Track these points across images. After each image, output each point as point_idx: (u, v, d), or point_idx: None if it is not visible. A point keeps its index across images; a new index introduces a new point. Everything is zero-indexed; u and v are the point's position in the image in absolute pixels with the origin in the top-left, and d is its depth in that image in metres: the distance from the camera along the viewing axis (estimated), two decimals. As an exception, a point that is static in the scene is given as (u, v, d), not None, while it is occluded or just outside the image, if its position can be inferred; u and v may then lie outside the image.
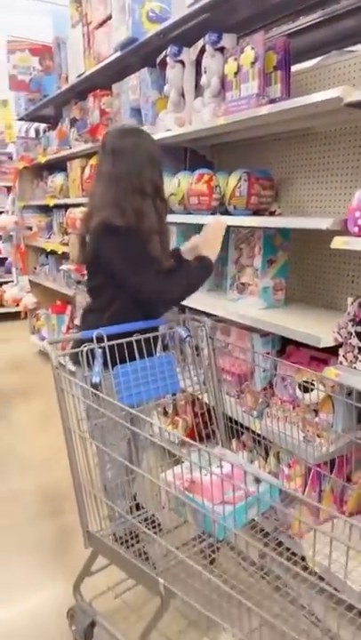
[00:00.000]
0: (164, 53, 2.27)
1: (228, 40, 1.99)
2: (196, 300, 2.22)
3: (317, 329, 1.66)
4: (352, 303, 1.57)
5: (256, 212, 2.11)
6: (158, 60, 2.34)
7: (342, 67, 1.85)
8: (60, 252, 3.94)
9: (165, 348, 1.83)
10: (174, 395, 1.71)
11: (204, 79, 2.08)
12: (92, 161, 3.13)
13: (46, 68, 3.88)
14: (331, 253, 2.01)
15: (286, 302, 2.08)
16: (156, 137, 2.36)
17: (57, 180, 3.86)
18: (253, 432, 1.90)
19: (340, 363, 1.60)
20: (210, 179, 2.10)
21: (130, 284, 1.60)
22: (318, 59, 2.20)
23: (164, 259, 1.69)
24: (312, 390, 1.65)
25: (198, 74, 2.17)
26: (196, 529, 1.54)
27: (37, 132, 4.74)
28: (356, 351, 1.54)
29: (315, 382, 1.65)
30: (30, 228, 4.64)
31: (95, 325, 1.52)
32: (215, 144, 2.57)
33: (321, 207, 2.05)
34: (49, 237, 4.33)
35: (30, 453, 2.89)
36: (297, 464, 1.80)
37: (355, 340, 1.54)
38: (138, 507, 1.67)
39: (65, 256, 3.87)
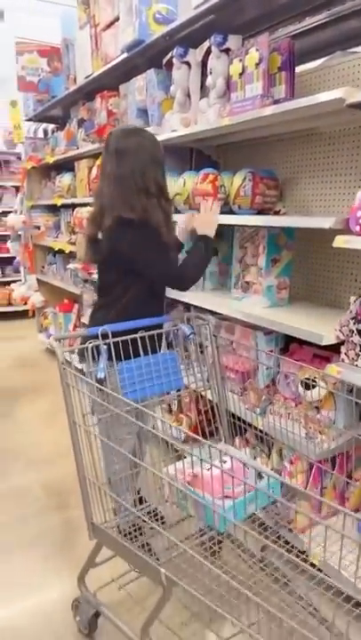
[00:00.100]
0: (170, 54, 2.30)
1: (233, 41, 2.01)
2: (201, 299, 2.25)
3: (320, 327, 1.68)
4: (355, 301, 1.59)
5: (261, 212, 2.13)
6: (165, 61, 2.37)
7: (346, 67, 1.87)
8: (67, 252, 3.98)
9: (169, 345, 1.86)
10: (178, 391, 1.74)
11: (209, 80, 2.10)
12: (99, 161, 3.17)
13: (54, 70, 3.93)
14: (335, 252, 2.03)
15: (290, 301, 2.10)
16: (161, 137, 2.40)
17: (64, 179, 3.90)
18: (256, 429, 1.93)
19: (342, 360, 1.61)
20: (215, 178, 2.12)
21: (155, 271, 1.74)
22: (323, 59, 2.22)
23: (174, 249, 1.88)
24: (314, 387, 1.67)
25: (204, 75, 2.19)
26: (198, 523, 1.57)
27: (46, 132, 4.79)
28: (358, 349, 1.56)
29: (317, 379, 1.67)
30: (38, 228, 4.69)
31: (103, 322, 1.57)
32: (221, 144, 2.60)
33: (325, 207, 2.07)
34: (56, 237, 4.38)
35: (37, 449, 2.94)
36: (299, 461, 1.82)
37: (356, 338, 1.55)
38: (141, 500, 1.71)
39: (72, 255, 3.91)
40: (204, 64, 2.18)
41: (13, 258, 5.44)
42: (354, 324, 1.56)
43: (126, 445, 1.76)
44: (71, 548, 2.05)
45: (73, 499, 2.29)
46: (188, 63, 2.24)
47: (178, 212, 2.34)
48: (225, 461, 1.53)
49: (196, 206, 2.23)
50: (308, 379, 1.71)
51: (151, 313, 1.75)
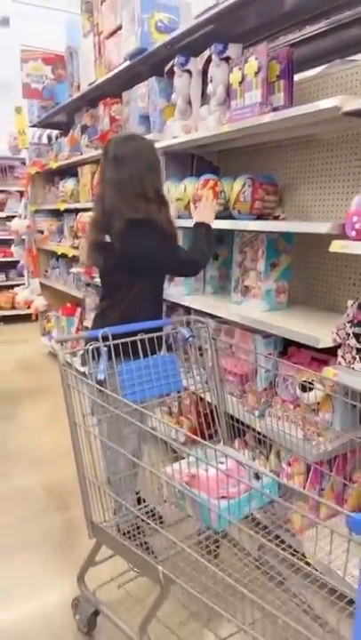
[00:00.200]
0: (171, 63, 2.34)
1: (233, 50, 2.05)
2: (201, 302, 2.28)
3: (317, 330, 1.71)
4: (352, 305, 1.61)
5: (260, 217, 2.16)
6: (166, 69, 2.41)
7: (345, 75, 1.91)
8: (70, 256, 4.02)
9: (169, 348, 1.89)
10: (179, 392, 1.77)
11: (210, 88, 2.14)
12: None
13: (58, 77, 3.99)
14: (333, 257, 2.06)
15: (289, 305, 2.13)
16: (163, 143, 2.44)
17: (68, 185, 3.95)
18: (255, 431, 1.95)
19: (339, 363, 1.64)
20: (215, 184, 2.16)
21: (169, 262, 1.88)
22: (322, 67, 2.26)
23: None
24: (311, 390, 1.69)
25: (205, 83, 2.23)
26: (196, 523, 1.59)
27: (50, 138, 4.84)
28: (355, 352, 1.59)
29: (314, 382, 1.70)
30: (42, 232, 4.74)
31: (106, 324, 1.62)
32: (221, 150, 2.63)
33: (324, 212, 2.10)
34: (60, 241, 4.42)
35: (39, 451, 2.96)
36: (297, 462, 1.84)
37: (353, 341, 1.58)
38: (139, 500, 1.73)
39: (75, 259, 3.95)
40: (204, 72, 2.22)
41: (17, 262, 5.48)
42: (350, 327, 1.58)
43: (129, 445, 1.80)
44: (72, 548, 2.08)
45: (74, 499, 2.32)
46: (189, 71, 2.28)
47: (178, 217, 2.38)
48: (222, 462, 1.55)
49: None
50: (305, 381, 1.74)
51: (153, 313, 1.86)
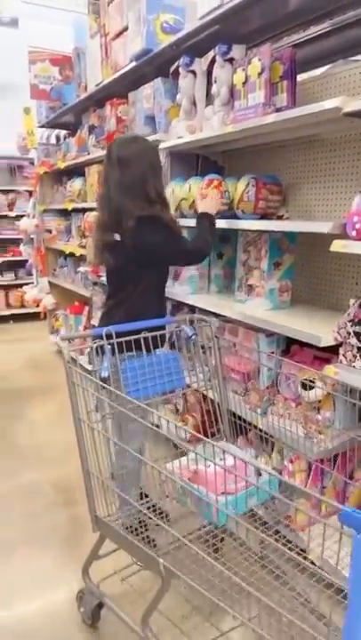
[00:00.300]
0: (176, 64, 2.36)
1: (237, 51, 2.07)
2: (205, 301, 2.30)
3: (319, 329, 1.72)
4: (354, 304, 1.63)
5: (264, 216, 2.17)
6: (171, 70, 2.43)
7: (348, 75, 1.91)
8: (78, 255, 4.06)
9: (172, 346, 1.92)
10: (184, 389, 1.79)
11: (214, 88, 2.16)
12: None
13: (66, 78, 4.02)
14: (336, 256, 2.07)
15: (292, 303, 2.14)
16: (168, 144, 2.47)
17: (75, 184, 3.99)
18: (258, 429, 1.97)
19: (340, 361, 1.65)
20: (219, 184, 2.18)
21: (176, 252, 1.98)
22: (326, 67, 2.27)
23: None
24: (311, 388, 1.71)
25: (209, 83, 2.25)
26: (200, 520, 1.62)
27: (58, 138, 4.88)
28: (355, 350, 1.60)
29: (315, 380, 1.71)
30: (50, 231, 4.79)
31: (113, 322, 1.67)
32: (226, 150, 2.65)
33: (327, 211, 2.11)
34: (67, 240, 4.47)
35: (47, 447, 3.01)
36: (299, 460, 1.86)
37: (353, 340, 1.59)
38: (141, 495, 1.76)
39: (83, 258, 3.99)
40: (209, 73, 2.24)
41: (26, 261, 5.54)
42: (351, 326, 1.60)
43: (135, 441, 1.84)
44: (79, 542, 2.11)
45: (80, 495, 2.34)
46: (193, 72, 2.30)
47: (183, 216, 2.40)
48: (224, 459, 1.58)
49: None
50: (307, 379, 1.75)
51: (158, 311, 1.95)
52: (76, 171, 4.12)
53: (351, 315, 1.62)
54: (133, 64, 2.71)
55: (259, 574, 1.49)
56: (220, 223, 2.12)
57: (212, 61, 2.16)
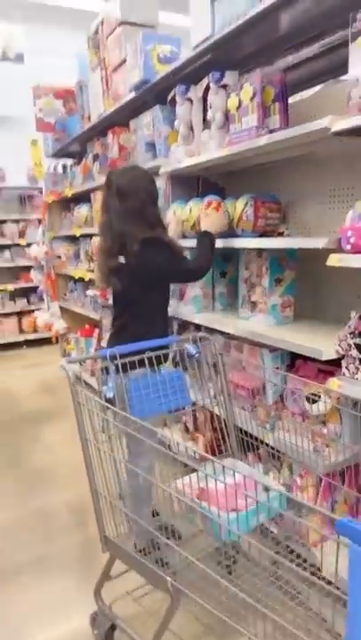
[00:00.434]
0: (173, 92, 2.45)
1: (230, 77, 2.14)
2: (210, 319, 2.34)
3: (321, 343, 1.74)
4: (354, 317, 1.64)
5: (264, 234, 2.21)
6: (169, 98, 2.52)
7: (338, 95, 1.96)
8: (86, 279, 4.14)
9: (176, 364, 1.95)
10: (189, 407, 1.82)
11: (209, 114, 2.23)
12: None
13: (69, 110, 4.18)
14: (337, 270, 2.08)
15: (296, 318, 2.16)
16: (168, 168, 2.54)
17: (82, 211, 4.10)
18: (267, 445, 1.97)
19: (343, 374, 1.66)
20: (218, 205, 2.23)
21: (179, 272, 2.09)
22: (318, 87, 2.33)
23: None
24: (314, 402, 1.72)
25: (205, 109, 2.32)
26: (209, 538, 1.62)
27: (65, 167, 5.03)
28: (357, 362, 1.61)
29: (321, 394, 1.72)
30: (59, 257, 4.89)
31: (122, 342, 1.75)
32: (226, 172, 2.71)
33: (325, 227, 2.14)
34: (77, 265, 4.56)
35: (61, 469, 3.03)
36: (308, 475, 1.85)
37: (355, 352, 1.60)
38: (153, 514, 1.77)
39: (91, 282, 4.06)
40: (204, 99, 2.32)
41: (37, 287, 5.66)
42: (352, 338, 1.61)
43: (146, 459, 1.87)
44: (93, 564, 2.11)
45: (94, 516, 2.37)
46: (189, 99, 2.39)
47: (185, 237, 2.46)
48: (232, 475, 1.58)
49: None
50: (312, 394, 1.76)
51: (163, 329, 2.05)
52: (83, 198, 4.23)
53: (352, 327, 1.63)
54: (133, 94, 2.82)
55: (272, 593, 1.48)
56: (219, 242, 2.17)
57: (207, 88, 2.24)
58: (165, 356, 1.77)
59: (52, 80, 4.38)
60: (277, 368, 2.01)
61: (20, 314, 6.54)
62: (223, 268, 2.53)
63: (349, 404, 1.67)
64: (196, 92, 2.35)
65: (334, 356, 1.66)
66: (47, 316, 5.13)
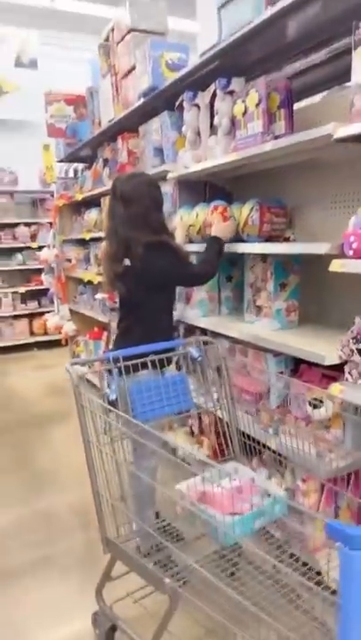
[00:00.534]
0: (181, 98, 2.47)
1: (236, 84, 2.16)
2: (216, 323, 2.35)
3: (325, 348, 1.74)
4: (358, 322, 1.65)
5: (270, 239, 2.22)
6: (176, 104, 2.55)
7: (343, 101, 1.97)
8: (95, 282, 4.18)
9: (179, 368, 1.97)
10: (188, 411, 1.83)
11: (216, 120, 2.25)
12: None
13: (80, 116, 4.23)
14: (342, 275, 2.08)
15: (301, 323, 2.16)
16: (175, 173, 2.57)
17: (92, 215, 4.14)
18: (269, 449, 1.98)
19: (346, 379, 1.66)
20: (224, 210, 2.25)
21: (184, 276, 2.12)
22: (324, 93, 2.34)
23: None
24: (317, 407, 1.72)
25: (212, 115, 2.34)
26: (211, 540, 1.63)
27: (76, 172, 5.09)
28: (360, 368, 1.61)
29: (323, 399, 1.72)
30: (70, 261, 4.95)
31: (131, 341, 1.79)
32: (233, 177, 2.73)
33: (332, 233, 2.14)
34: (86, 268, 4.60)
35: (65, 471, 3.06)
36: (311, 479, 1.85)
37: (357, 357, 1.61)
38: (157, 515, 1.79)
39: (100, 285, 4.10)
40: (211, 105, 2.34)
41: (47, 289, 5.72)
42: (354, 343, 1.61)
43: (150, 460, 1.89)
44: (96, 565, 2.13)
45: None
46: (197, 105, 2.41)
47: (191, 241, 2.47)
48: (234, 479, 1.60)
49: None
50: (315, 399, 1.77)
51: (167, 329, 2.10)
52: (93, 202, 4.28)
53: (355, 332, 1.63)
54: (142, 100, 2.85)
55: (272, 598, 1.48)
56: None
57: (214, 94, 2.26)
58: (169, 360, 1.79)
59: (64, 86, 4.45)
60: (281, 372, 2.01)
61: (30, 316, 6.61)
62: (229, 272, 2.55)
63: (352, 409, 1.67)
64: (203, 99, 2.37)
65: (337, 362, 1.67)
66: (57, 319, 5.18)
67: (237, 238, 2.27)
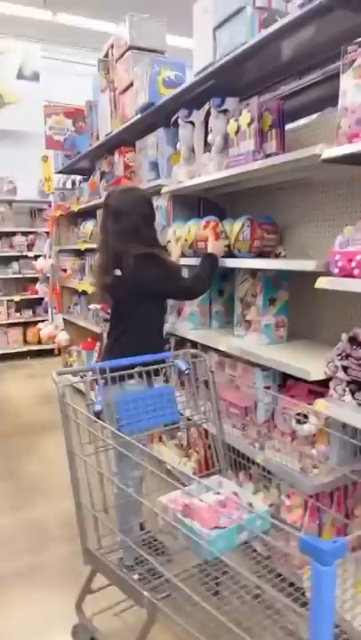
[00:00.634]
0: (176, 115, 2.52)
1: (230, 103, 2.21)
2: (205, 337, 2.37)
3: (311, 364, 1.76)
4: (344, 339, 1.67)
5: (260, 255, 2.25)
6: (172, 120, 2.59)
7: (333, 123, 2.02)
8: (89, 293, 4.20)
9: (167, 380, 1.98)
10: (174, 424, 1.84)
11: (210, 137, 2.30)
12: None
13: (79, 129, 4.29)
14: (330, 292, 2.11)
15: (290, 338, 2.18)
16: (169, 188, 2.61)
17: (88, 226, 4.18)
18: (254, 463, 1.98)
19: (331, 395, 1.68)
20: (215, 225, 2.28)
21: (174, 289, 2.15)
22: (316, 114, 2.39)
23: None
24: (302, 423, 1.73)
25: (206, 132, 2.39)
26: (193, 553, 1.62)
27: (73, 183, 5.15)
28: (344, 384, 1.63)
29: (309, 415, 1.74)
30: (65, 270, 4.97)
31: (123, 351, 1.81)
32: (226, 193, 2.77)
33: (321, 250, 2.18)
34: (81, 279, 4.63)
35: (53, 482, 3.04)
36: (296, 495, 1.85)
37: (341, 374, 1.63)
38: (142, 526, 1.79)
39: (94, 296, 4.13)
40: (206, 123, 2.39)
41: (42, 299, 5.73)
42: (339, 360, 1.63)
43: (136, 471, 1.89)
44: (80, 577, 2.12)
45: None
46: (192, 122, 2.46)
47: (184, 255, 2.50)
48: (218, 493, 1.60)
49: (199, 250, 2.39)
50: (300, 414, 1.78)
51: (157, 341, 2.12)
52: (89, 213, 4.32)
53: (340, 349, 1.66)
54: (138, 116, 2.90)
55: (253, 615, 1.48)
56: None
57: (208, 112, 2.31)
58: (156, 372, 1.80)
59: (65, 99, 4.52)
60: (268, 387, 2.03)
61: (25, 325, 6.61)
62: (221, 286, 2.57)
63: (338, 425, 1.68)
64: (198, 116, 2.42)
65: (322, 377, 1.69)
66: (51, 328, 5.18)
67: (229, 253, 2.30)
